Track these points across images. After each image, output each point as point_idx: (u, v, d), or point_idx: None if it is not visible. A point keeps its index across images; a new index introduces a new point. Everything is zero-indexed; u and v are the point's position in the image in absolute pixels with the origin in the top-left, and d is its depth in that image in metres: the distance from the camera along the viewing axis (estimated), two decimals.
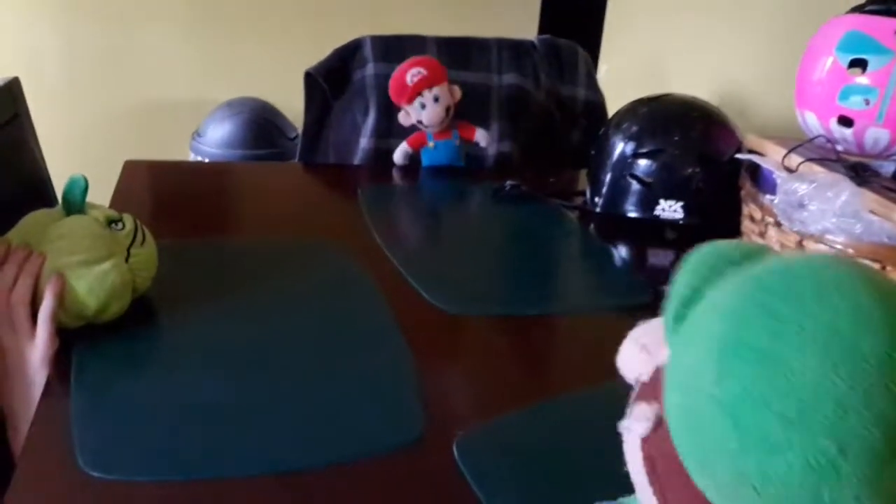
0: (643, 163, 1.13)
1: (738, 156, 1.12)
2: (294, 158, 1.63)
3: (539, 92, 1.59)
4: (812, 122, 1.10)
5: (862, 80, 1.03)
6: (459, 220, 1.25)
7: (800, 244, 0.91)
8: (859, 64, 1.03)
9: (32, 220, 0.79)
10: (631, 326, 0.44)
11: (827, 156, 1.03)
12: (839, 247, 0.87)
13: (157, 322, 0.82)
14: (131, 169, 1.28)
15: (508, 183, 1.27)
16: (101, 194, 1.07)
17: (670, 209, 1.13)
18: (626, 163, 1.14)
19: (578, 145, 1.63)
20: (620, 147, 1.15)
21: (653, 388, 0.40)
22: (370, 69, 1.51)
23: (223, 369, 0.74)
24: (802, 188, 0.90)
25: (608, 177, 1.16)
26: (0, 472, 0.62)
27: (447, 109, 1.31)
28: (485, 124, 1.48)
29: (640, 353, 0.43)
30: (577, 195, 1.28)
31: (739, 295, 0.35)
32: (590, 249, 1.15)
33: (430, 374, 0.76)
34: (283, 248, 1.03)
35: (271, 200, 1.24)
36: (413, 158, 1.37)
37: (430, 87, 1.29)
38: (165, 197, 1.22)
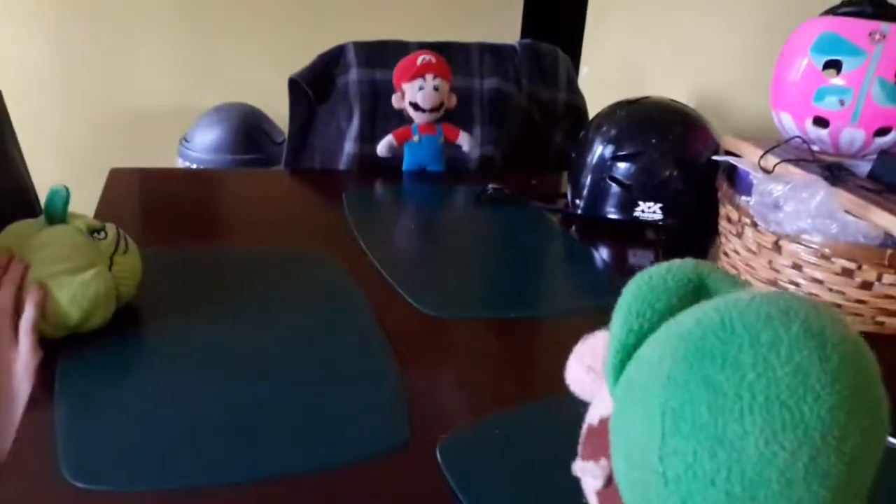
0: (622, 165, 1.15)
1: (716, 157, 1.13)
2: (281, 163, 1.64)
3: (521, 95, 1.60)
4: (788, 123, 1.11)
5: (837, 81, 1.04)
6: (443, 224, 1.26)
7: (776, 244, 0.92)
8: (834, 65, 1.05)
9: (14, 231, 0.79)
10: None
11: (803, 156, 1.04)
12: (815, 247, 0.89)
13: (141, 330, 0.83)
14: (116, 177, 1.28)
15: (491, 186, 1.29)
16: (88, 200, 1.08)
17: (649, 210, 1.14)
18: (605, 165, 1.16)
19: (560, 148, 1.64)
20: (600, 150, 1.16)
21: (600, 440, 0.40)
22: (353, 75, 1.52)
23: (208, 377, 0.74)
24: (778, 189, 0.91)
25: (588, 179, 1.17)
26: None
27: (441, 103, 1.32)
28: (467, 128, 1.49)
29: (586, 374, 0.43)
30: (558, 198, 1.29)
31: (677, 362, 0.34)
32: (571, 251, 1.16)
33: (415, 378, 0.76)
34: (268, 254, 1.04)
35: (257, 207, 1.25)
36: (396, 157, 1.37)
37: (435, 75, 1.31)
38: (150, 205, 1.22)
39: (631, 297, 0.39)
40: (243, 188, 1.36)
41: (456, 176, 1.42)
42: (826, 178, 0.95)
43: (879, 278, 0.87)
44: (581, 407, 0.46)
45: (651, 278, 0.40)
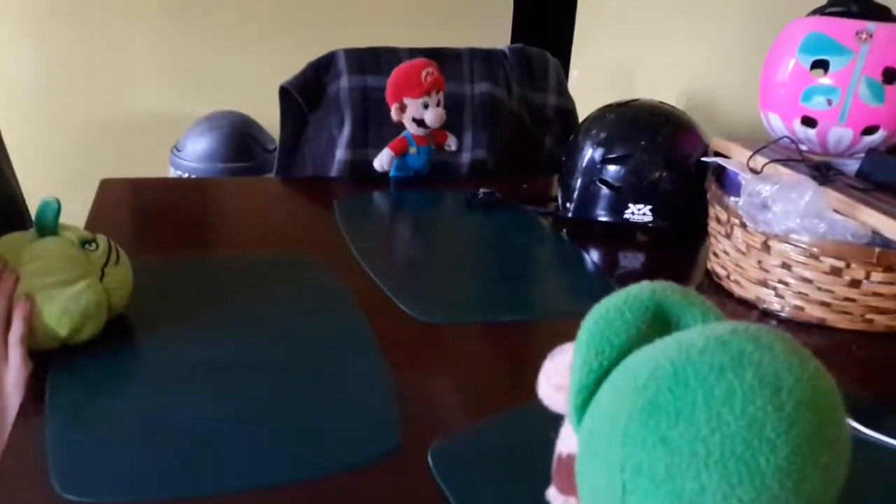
0: (612, 168, 1.15)
1: (704, 159, 1.14)
2: (273, 170, 1.64)
3: (511, 100, 1.60)
4: (776, 123, 1.12)
5: (824, 80, 1.05)
6: (434, 229, 1.26)
7: (765, 244, 0.93)
8: (821, 65, 1.05)
9: (5, 243, 0.79)
10: None
11: (791, 156, 1.05)
12: (804, 246, 0.89)
13: (133, 342, 0.83)
14: (107, 187, 1.28)
15: (482, 191, 1.29)
16: (79, 211, 1.08)
17: (639, 213, 1.14)
18: (595, 168, 1.16)
19: (551, 152, 1.64)
20: (590, 153, 1.17)
21: (569, 475, 0.40)
22: (344, 82, 1.52)
23: (200, 387, 0.74)
24: (766, 189, 0.91)
25: (578, 182, 1.18)
26: None
27: (442, 120, 1.32)
28: (458, 133, 1.49)
29: (555, 393, 0.43)
30: (549, 201, 1.29)
31: (633, 419, 0.34)
32: (563, 254, 1.17)
33: (408, 383, 0.76)
34: (260, 263, 1.04)
35: (249, 216, 1.25)
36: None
37: (438, 90, 1.30)
38: (141, 215, 1.23)
39: (588, 335, 0.39)
40: (235, 197, 1.36)
41: (447, 181, 1.42)
42: (814, 178, 0.95)
43: (868, 276, 0.88)
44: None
45: (608, 312, 0.39)
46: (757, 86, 1.15)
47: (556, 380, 0.43)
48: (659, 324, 0.39)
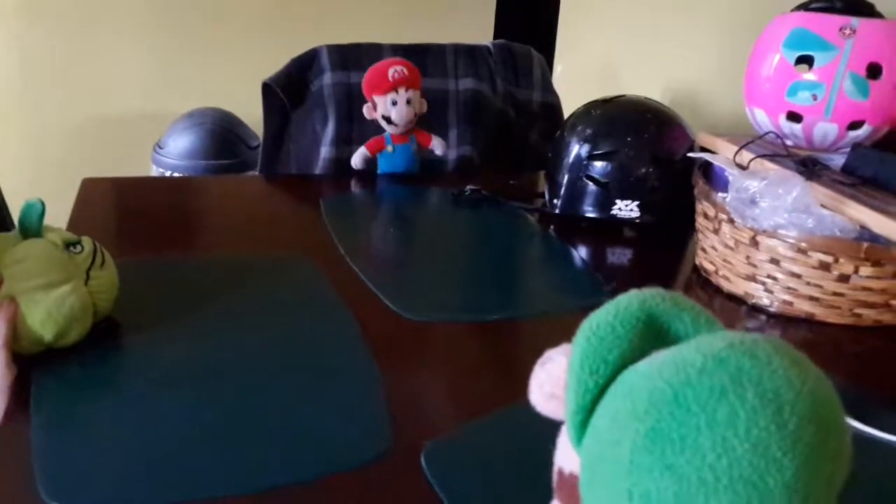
0: (599, 164, 1.15)
1: (691, 154, 1.14)
2: (256, 167, 1.63)
3: (496, 96, 1.60)
4: (762, 118, 1.12)
5: (809, 76, 1.05)
6: (421, 227, 1.26)
7: (753, 240, 0.93)
8: (806, 60, 1.06)
9: None
10: None
11: (777, 151, 1.05)
12: (792, 241, 0.89)
13: (119, 345, 0.82)
14: (89, 187, 1.27)
15: (469, 187, 1.29)
16: (60, 211, 1.06)
17: (626, 209, 1.14)
18: (581, 165, 1.16)
19: (536, 147, 1.64)
20: (576, 149, 1.17)
21: (571, 493, 0.40)
22: (328, 78, 1.51)
23: (187, 391, 0.73)
24: (754, 185, 0.92)
25: (565, 178, 1.18)
26: None
27: (415, 115, 1.32)
28: (443, 129, 1.49)
29: (548, 401, 0.43)
30: (536, 197, 1.29)
31: (637, 448, 0.34)
32: (550, 251, 1.16)
33: (397, 383, 0.76)
34: (246, 262, 1.03)
35: (234, 214, 1.24)
36: (371, 164, 1.37)
37: (407, 87, 1.30)
38: (124, 215, 1.21)
39: (582, 354, 0.39)
40: (219, 195, 1.35)
41: (433, 178, 1.41)
42: (801, 173, 0.96)
43: (856, 271, 0.88)
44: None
45: (599, 328, 0.39)
46: (742, 81, 1.16)
47: (548, 388, 0.42)
48: (651, 334, 0.39)
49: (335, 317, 0.89)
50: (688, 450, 0.33)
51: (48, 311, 0.73)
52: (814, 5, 1.09)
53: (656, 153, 1.14)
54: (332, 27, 2.39)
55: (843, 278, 0.89)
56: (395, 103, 1.30)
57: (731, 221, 0.95)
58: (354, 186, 1.37)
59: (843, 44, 1.02)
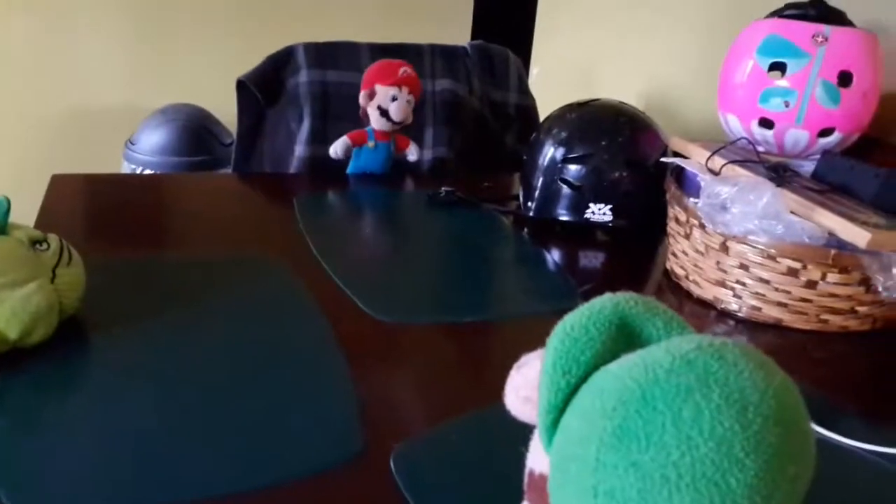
0: (573, 167, 1.15)
1: (664, 159, 1.15)
2: (229, 165, 1.61)
3: (472, 97, 1.60)
4: (734, 124, 1.13)
5: (781, 83, 1.06)
6: (395, 228, 1.25)
7: (724, 245, 0.94)
8: (779, 67, 1.07)
9: None
10: None
11: (749, 157, 1.06)
12: (761, 247, 0.90)
13: (85, 344, 0.81)
14: (59, 183, 1.25)
15: (444, 189, 1.28)
16: (28, 208, 1.05)
17: (600, 212, 1.15)
18: (556, 168, 1.16)
19: (512, 149, 1.64)
20: (551, 152, 1.17)
21: (541, 494, 0.40)
22: (303, 76, 1.51)
23: (155, 392, 0.73)
24: (725, 191, 0.92)
25: (540, 181, 1.18)
26: None
27: (404, 119, 1.33)
28: (419, 130, 1.49)
29: (523, 405, 0.43)
30: (511, 200, 1.29)
31: (604, 445, 0.35)
32: (524, 254, 1.17)
33: (369, 386, 0.76)
34: (218, 262, 1.02)
35: (206, 213, 1.23)
36: (344, 161, 1.36)
37: (409, 90, 1.31)
38: (94, 212, 1.20)
39: (555, 354, 0.39)
40: (192, 194, 1.34)
41: (409, 179, 1.41)
42: (772, 179, 0.96)
43: (824, 277, 0.89)
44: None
45: (573, 329, 0.40)
46: (715, 87, 1.16)
47: (523, 392, 0.42)
48: (624, 337, 0.40)
49: (306, 318, 0.89)
50: (653, 447, 0.33)
51: (13, 311, 0.72)
52: (787, 12, 1.10)
53: (630, 157, 1.15)
54: (308, 25, 2.37)
55: (811, 284, 0.90)
56: (395, 98, 1.30)
57: (703, 227, 0.96)
58: (328, 186, 1.36)
59: (816, 51, 1.03)
